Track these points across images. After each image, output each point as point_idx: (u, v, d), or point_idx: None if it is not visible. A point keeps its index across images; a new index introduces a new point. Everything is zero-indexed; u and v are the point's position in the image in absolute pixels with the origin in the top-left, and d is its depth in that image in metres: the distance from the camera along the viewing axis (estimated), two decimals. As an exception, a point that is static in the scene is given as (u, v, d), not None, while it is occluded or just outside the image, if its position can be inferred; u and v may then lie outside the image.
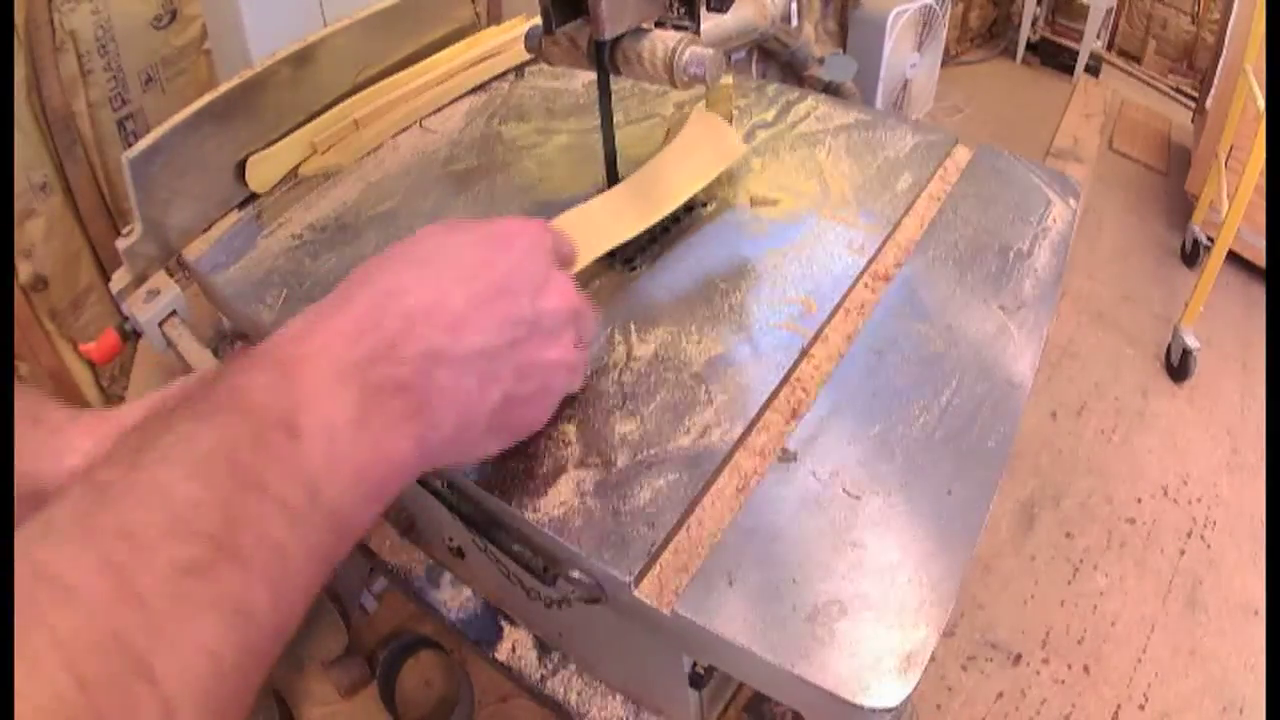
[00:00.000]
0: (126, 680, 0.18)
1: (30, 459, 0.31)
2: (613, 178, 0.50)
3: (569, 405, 0.41)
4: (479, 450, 0.32)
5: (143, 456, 0.21)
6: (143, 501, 0.20)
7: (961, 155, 0.61)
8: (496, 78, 0.71)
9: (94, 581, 0.19)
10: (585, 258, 0.45)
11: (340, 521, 0.25)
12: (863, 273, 0.50)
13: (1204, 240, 1.72)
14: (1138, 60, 2.68)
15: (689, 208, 0.55)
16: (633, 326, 0.46)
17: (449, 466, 0.34)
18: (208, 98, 0.55)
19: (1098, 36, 2.49)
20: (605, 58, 0.44)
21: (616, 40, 0.43)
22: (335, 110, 0.63)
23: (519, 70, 0.73)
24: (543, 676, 0.49)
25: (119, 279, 0.56)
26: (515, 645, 0.51)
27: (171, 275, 0.58)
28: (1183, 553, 1.21)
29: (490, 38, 0.74)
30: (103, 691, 0.18)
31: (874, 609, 0.33)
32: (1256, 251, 1.65)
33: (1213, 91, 1.81)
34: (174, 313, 0.57)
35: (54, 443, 0.33)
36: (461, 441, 0.30)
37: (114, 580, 0.19)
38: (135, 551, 0.19)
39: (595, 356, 0.44)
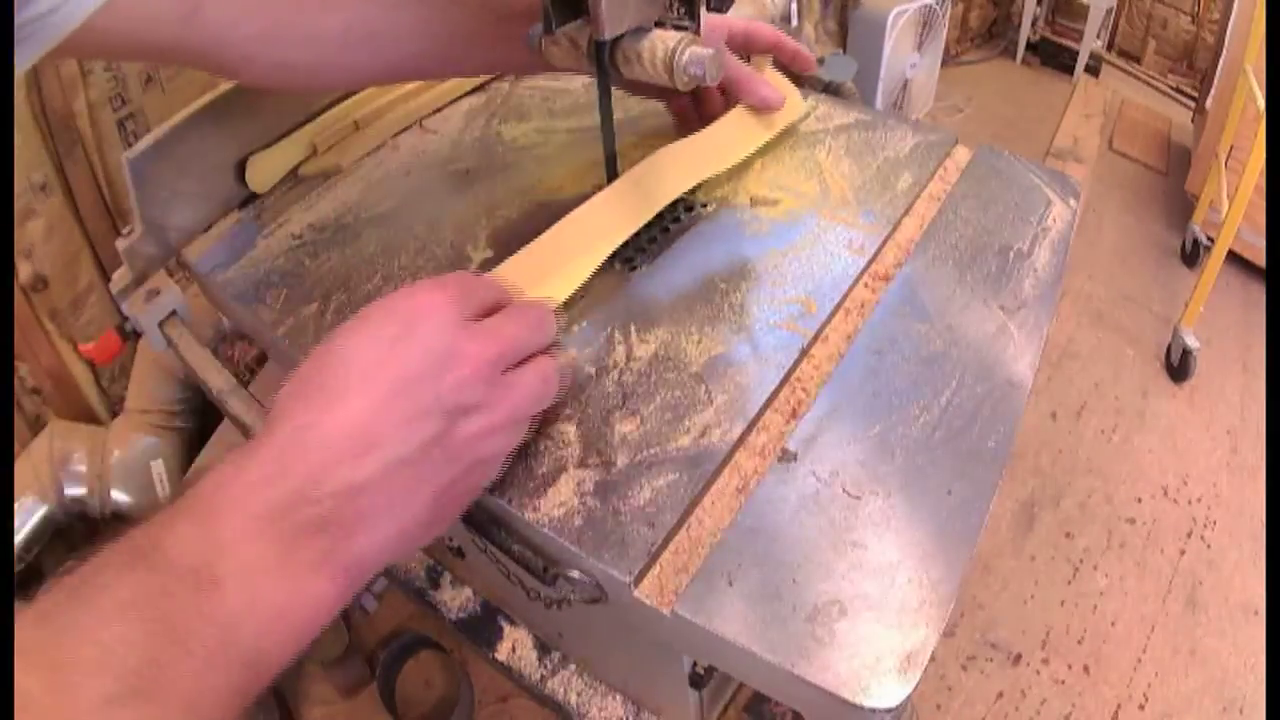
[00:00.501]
0: None
1: None
2: (612, 178, 0.50)
3: (569, 405, 0.41)
4: (425, 540, 0.32)
5: (77, 594, 0.24)
6: (75, 638, 0.23)
7: (961, 155, 0.61)
8: (496, 78, 0.71)
9: (42, 699, 0.21)
10: (639, 218, 0.49)
11: (259, 660, 0.26)
12: (863, 273, 0.50)
13: (1204, 240, 1.72)
14: (1138, 60, 2.68)
15: (689, 208, 0.55)
16: (633, 326, 0.46)
17: (410, 551, 0.35)
18: (208, 98, 0.55)
19: (1098, 36, 2.49)
20: (605, 58, 0.44)
21: (616, 40, 0.43)
22: (335, 110, 0.63)
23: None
24: (543, 676, 0.49)
25: (119, 279, 0.56)
26: (515, 645, 0.51)
27: (171, 275, 0.58)
28: (1183, 553, 1.21)
29: (490, 38, 0.74)
30: None
31: (874, 609, 0.33)
32: (1256, 251, 1.65)
33: (1213, 91, 1.81)
34: (174, 313, 0.57)
35: None
36: (401, 548, 0.30)
37: (58, 702, 0.22)
38: (74, 679, 0.22)
39: (595, 357, 0.44)
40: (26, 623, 0.23)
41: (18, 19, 0.32)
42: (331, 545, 0.27)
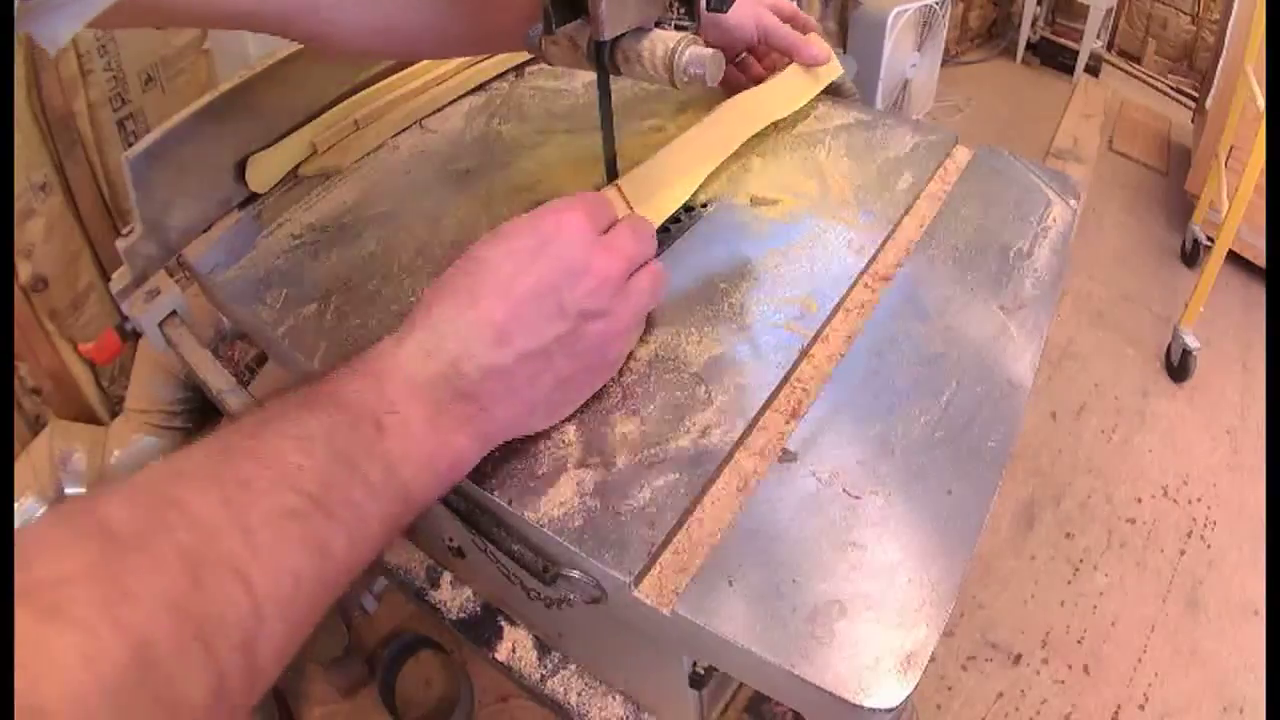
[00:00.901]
0: (230, 585, 0.24)
1: None
2: (613, 178, 0.50)
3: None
4: (552, 420, 0.38)
5: (263, 429, 0.28)
6: (260, 461, 0.27)
7: (961, 155, 0.61)
8: (496, 78, 0.71)
9: (215, 513, 0.25)
10: (690, 186, 0.53)
11: (409, 496, 0.31)
12: (863, 273, 0.50)
13: (1204, 240, 1.72)
14: (1138, 60, 2.68)
15: (689, 208, 0.55)
16: (633, 326, 0.46)
17: (537, 429, 0.39)
18: (208, 98, 0.55)
19: (1098, 36, 2.49)
20: (605, 58, 0.44)
21: (616, 40, 0.43)
22: (335, 110, 0.63)
23: (519, 70, 0.73)
24: (543, 676, 0.49)
25: (119, 279, 0.56)
26: (515, 645, 0.51)
27: (171, 275, 0.58)
28: (1183, 553, 1.21)
29: (490, 38, 0.74)
30: (210, 589, 0.23)
31: (874, 609, 0.33)
32: (1256, 251, 1.65)
33: (1213, 91, 1.81)
34: (174, 313, 0.57)
35: None
36: (525, 423, 0.37)
37: (230, 514, 0.25)
38: (250, 495, 0.26)
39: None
40: (201, 453, 0.27)
41: None
42: (471, 412, 0.33)
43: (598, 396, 0.42)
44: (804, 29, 0.65)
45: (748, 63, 0.66)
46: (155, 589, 0.22)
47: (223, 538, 0.24)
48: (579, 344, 0.36)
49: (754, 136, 0.62)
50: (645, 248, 0.40)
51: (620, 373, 0.43)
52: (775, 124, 0.62)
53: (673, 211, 0.51)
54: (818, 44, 0.64)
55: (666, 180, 0.52)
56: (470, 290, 0.35)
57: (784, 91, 0.63)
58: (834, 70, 0.66)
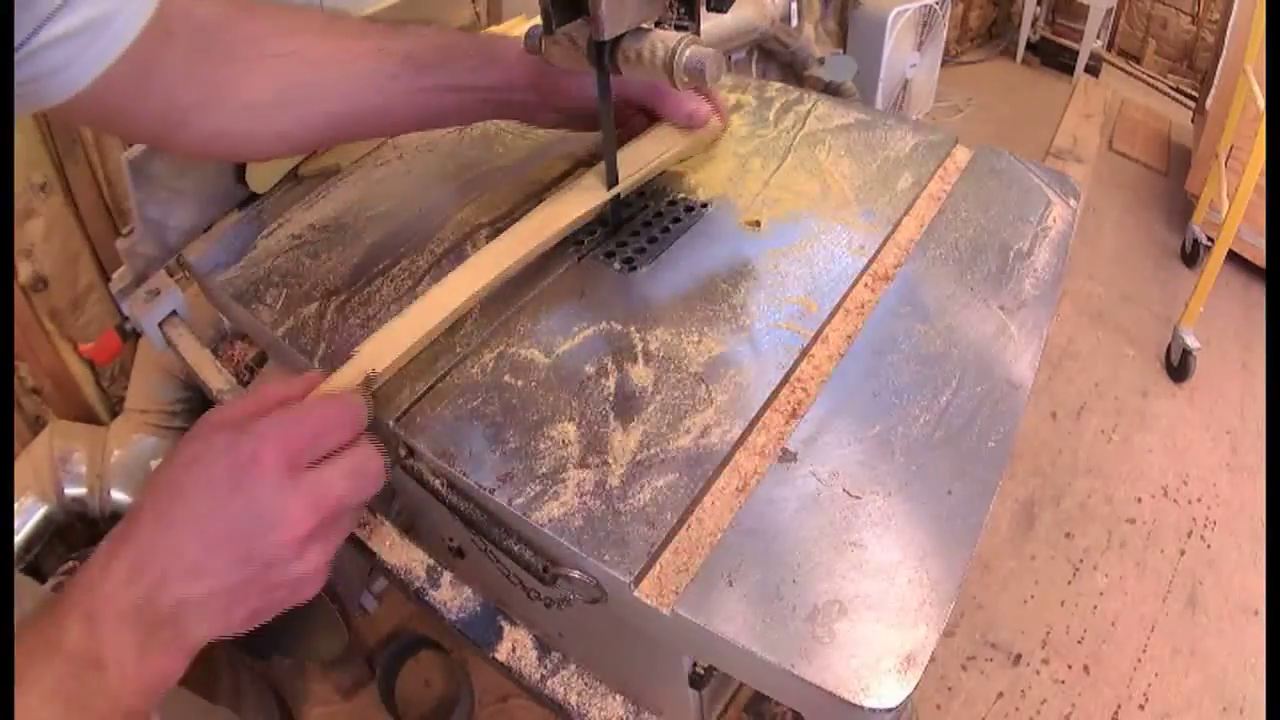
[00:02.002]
0: None
1: None
2: (612, 177, 0.50)
3: (569, 405, 0.41)
4: (255, 622, 0.39)
5: (20, 688, 0.33)
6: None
7: (961, 155, 0.61)
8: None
9: None
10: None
11: (135, 713, 0.35)
12: (863, 273, 0.50)
13: (1204, 240, 1.72)
14: (1138, 60, 2.68)
15: (689, 208, 0.55)
16: (633, 326, 0.46)
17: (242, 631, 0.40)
18: (208, 98, 0.55)
19: (1098, 36, 2.49)
20: (605, 58, 0.44)
21: (616, 40, 0.43)
22: (335, 110, 0.63)
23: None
24: (543, 676, 0.49)
25: (119, 279, 0.56)
26: (515, 645, 0.51)
27: (171, 275, 0.58)
28: (1183, 553, 1.21)
29: (490, 38, 0.74)
30: None
31: (874, 609, 0.33)
32: (1256, 251, 1.65)
33: (1213, 91, 1.81)
34: (174, 313, 0.57)
35: None
36: (229, 630, 0.38)
37: None
38: None
39: (595, 357, 0.44)
40: None
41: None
42: (171, 638, 0.36)
43: (598, 397, 0.42)
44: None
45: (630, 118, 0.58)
46: None
47: None
48: (267, 583, 0.37)
49: (752, 136, 0.62)
50: (361, 486, 0.38)
51: (620, 373, 0.43)
52: (774, 123, 0.62)
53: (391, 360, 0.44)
54: (699, 104, 0.55)
55: (407, 335, 0.45)
56: (168, 516, 0.36)
57: (658, 144, 0.55)
58: (713, 133, 0.59)
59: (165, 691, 0.37)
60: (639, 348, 0.44)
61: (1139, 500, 1.28)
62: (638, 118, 0.57)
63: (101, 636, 0.35)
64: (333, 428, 0.38)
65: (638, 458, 0.39)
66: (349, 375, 0.41)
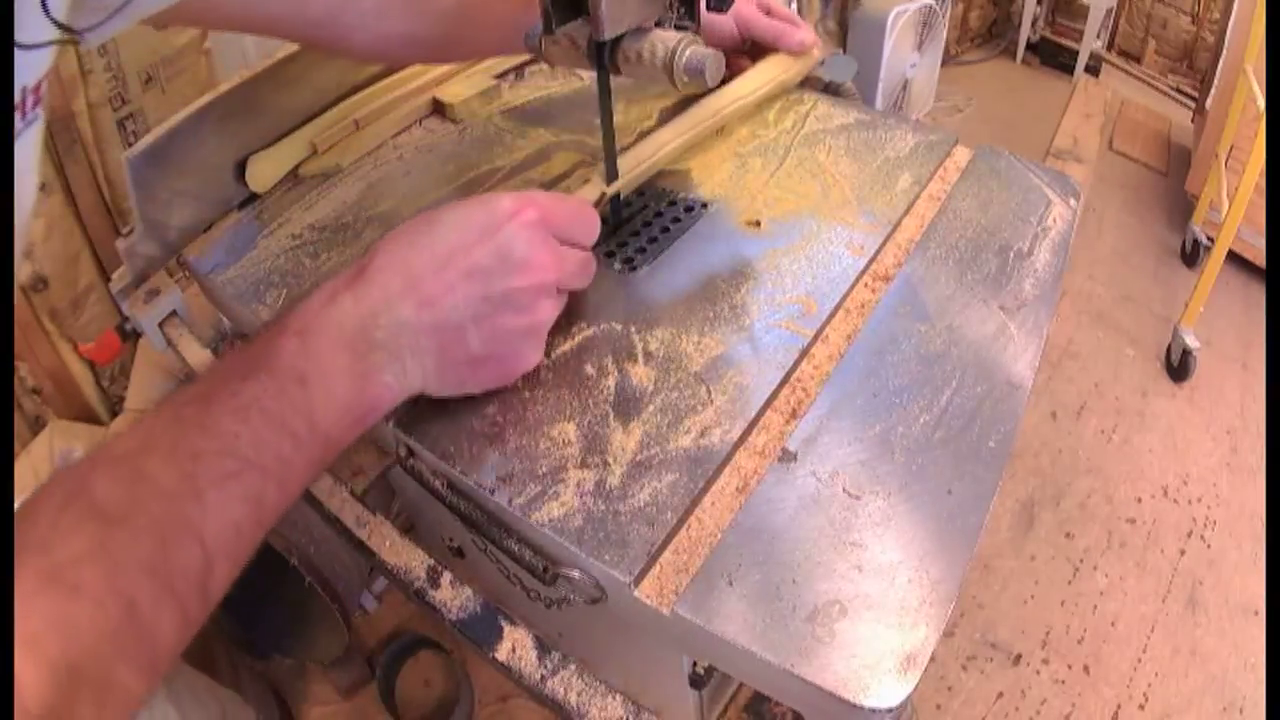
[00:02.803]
0: (189, 544, 0.30)
1: None
2: (613, 177, 0.50)
3: (569, 405, 0.41)
4: (463, 388, 0.40)
5: (207, 403, 0.32)
6: (206, 433, 0.32)
7: (961, 155, 0.61)
8: (497, 77, 0.71)
9: (176, 485, 0.30)
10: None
11: (330, 441, 0.35)
12: (863, 273, 0.50)
13: (1204, 240, 1.72)
14: (1138, 60, 2.68)
15: (689, 208, 0.55)
16: (633, 327, 0.46)
17: (448, 393, 0.41)
18: (208, 98, 0.55)
19: (1098, 36, 2.49)
20: (605, 58, 0.44)
21: (616, 40, 0.43)
22: (335, 110, 0.63)
23: (519, 70, 0.73)
24: (543, 676, 0.49)
25: (119, 279, 0.56)
26: (515, 645, 0.51)
27: (171, 275, 0.58)
28: (1183, 553, 1.21)
29: (490, 38, 0.74)
30: (175, 551, 0.29)
31: (874, 609, 0.33)
32: (1256, 251, 1.65)
33: (1213, 91, 1.81)
34: (174, 313, 0.57)
35: None
36: (439, 383, 0.39)
37: (187, 484, 0.30)
38: (200, 466, 0.31)
39: (595, 357, 0.44)
40: (162, 424, 0.32)
41: None
42: (382, 362, 0.36)
43: (598, 397, 0.42)
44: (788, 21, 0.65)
45: (734, 61, 0.65)
46: (137, 558, 0.28)
47: (182, 505, 0.30)
48: (492, 330, 0.38)
49: (752, 136, 0.62)
50: (587, 278, 0.44)
51: (620, 373, 0.43)
52: (774, 124, 0.62)
53: (644, 176, 0.54)
54: (804, 30, 0.64)
55: (634, 163, 0.54)
56: (410, 251, 0.38)
57: (763, 75, 0.63)
58: (813, 59, 0.67)
59: (372, 421, 0.37)
60: (639, 348, 0.44)
61: (1139, 500, 1.28)
62: (742, 60, 0.64)
63: (313, 353, 0.34)
64: (578, 222, 0.42)
65: (638, 458, 0.39)
66: (587, 194, 0.49)
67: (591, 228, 0.43)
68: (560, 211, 0.41)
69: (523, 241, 0.38)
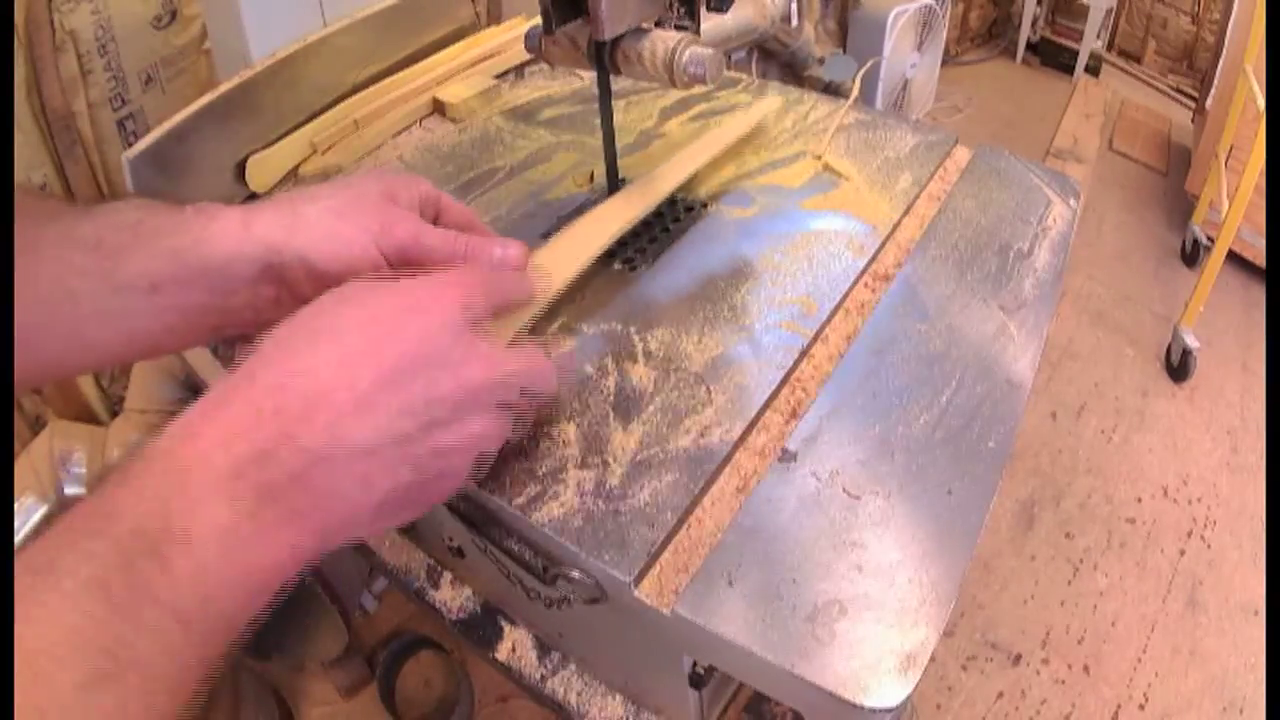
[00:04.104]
0: None
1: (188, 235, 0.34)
2: (612, 177, 0.50)
3: (569, 405, 0.41)
4: (378, 529, 0.31)
5: (42, 576, 0.23)
6: (44, 623, 0.22)
7: (961, 155, 0.61)
8: (497, 77, 0.71)
9: (22, 689, 0.21)
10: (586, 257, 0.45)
11: (226, 625, 0.26)
12: (863, 273, 0.50)
13: (1204, 240, 1.72)
14: (1138, 60, 2.68)
15: (689, 207, 0.55)
16: (633, 327, 0.46)
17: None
18: (208, 98, 0.55)
19: (1098, 36, 2.49)
20: (605, 58, 0.44)
21: (616, 40, 0.43)
22: (335, 110, 0.63)
23: (519, 70, 0.73)
24: (543, 676, 0.49)
25: (119, 279, 0.56)
26: (515, 645, 0.51)
27: (171, 275, 0.58)
28: (1183, 553, 1.21)
29: (490, 38, 0.74)
30: None
31: (874, 609, 0.33)
32: (1256, 251, 1.65)
33: (1213, 91, 1.81)
34: (174, 313, 0.57)
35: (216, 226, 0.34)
36: (352, 531, 0.29)
37: (34, 691, 0.21)
38: (44, 670, 0.21)
39: (596, 357, 0.44)
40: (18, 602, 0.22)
41: None
42: (281, 517, 0.26)
43: (598, 397, 0.42)
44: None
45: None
46: None
47: None
48: (426, 450, 0.30)
49: (753, 136, 0.62)
50: (533, 377, 0.34)
51: (620, 373, 0.43)
52: (774, 124, 0.62)
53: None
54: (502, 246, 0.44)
55: (572, 253, 0.45)
56: (320, 344, 0.29)
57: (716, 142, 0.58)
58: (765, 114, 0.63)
59: (268, 594, 0.27)
60: (639, 348, 0.44)
61: (1139, 500, 1.28)
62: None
63: (192, 502, 0.25)
64: (511, 300, 0.34)
65: (638, 458, 0.39)
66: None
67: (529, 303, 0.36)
68: (486, 291, 0.33)
69: (445, 340, 0.30)
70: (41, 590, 0.23)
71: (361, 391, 0.28)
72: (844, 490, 0.38)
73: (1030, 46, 2.62)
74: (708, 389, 0.42)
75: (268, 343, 0.29)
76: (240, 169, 0.59)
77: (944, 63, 2.14)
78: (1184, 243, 1.80)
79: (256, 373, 0.28)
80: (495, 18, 1.03)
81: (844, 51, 1.88)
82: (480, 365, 0.31)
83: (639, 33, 0.43)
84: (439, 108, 0.68)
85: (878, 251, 0.52)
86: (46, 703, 0.21)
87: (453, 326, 0.31)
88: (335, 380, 0.28)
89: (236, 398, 0.27)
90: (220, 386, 0.28)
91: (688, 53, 0.42)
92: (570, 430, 0.40)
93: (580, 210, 0.53)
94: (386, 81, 0.67)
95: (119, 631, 0.23)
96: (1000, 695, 1.02)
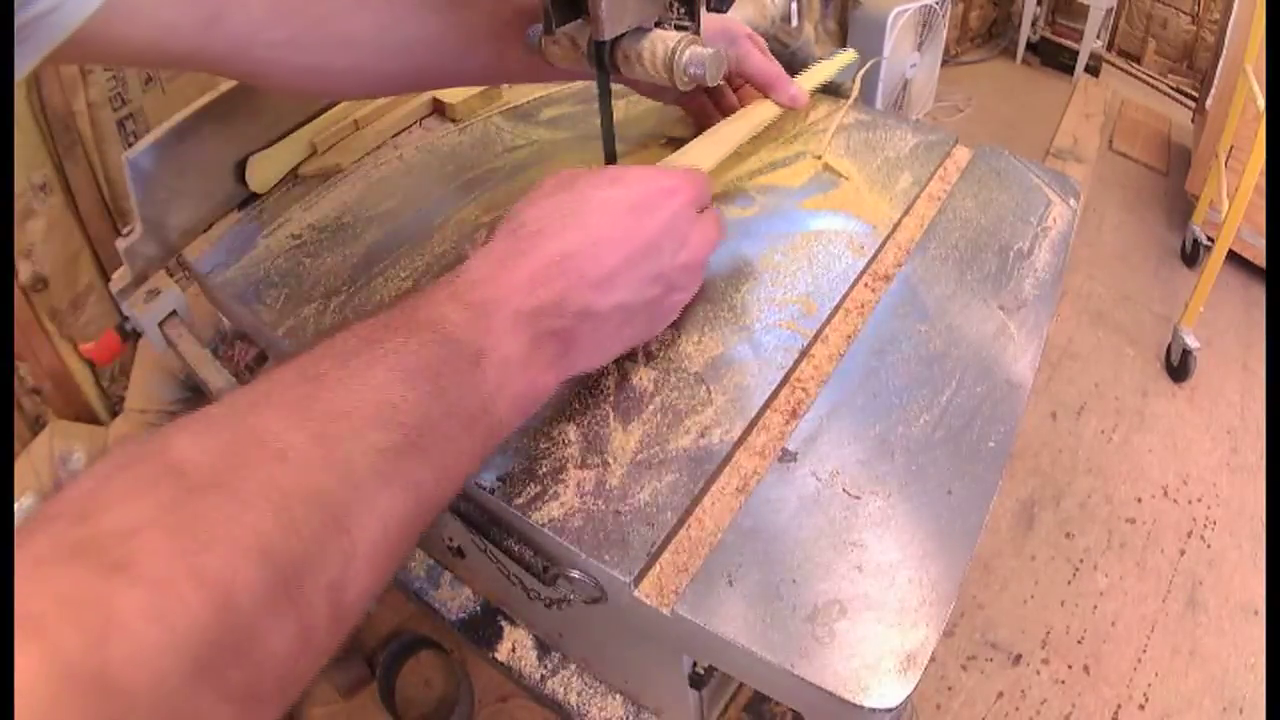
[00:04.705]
0: (325, 528, 0.22)
1: None
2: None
3: (569, 405, 0.41)
4: (604, 362, 0.39)
5: (353, 360, 0.27)
6: (355, 394, 0.25)
7: (961, 155, 0.61)
8: (496, 78, 0.71)
9: (307, 449, 0.23)
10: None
11: (497, 430, 0.31)
12: (863, 273, 0.50)
13: (1204, 240, 1.72)
14: (1138, 60, 2.68)
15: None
16: (633, 326, 0.46)
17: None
18: (208, 98, 0.55)
19: (1098, 36, 2.49)
20: (605, 58, 0.44)
21: (616, 40, 0.43)
22: (335, 110, 0.63)
23: (519, 70, 0.73)
24: (543, 676, 0.49)
25: (119, 279, 0.56)
26: (515, 645, 0.51)
27: (171, 275, 0.58)
28: (1183, 553, 1.21)
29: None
30: (304, 533, 0.22)
31: (874, 609, 0.33)
32: (1256, 251, 1.65)
33: (1213, 91, 1.81)
34: (174, 313, 0.57)
35: None
36: (591, 366, 0.38)
37: (325, 450, 0.24)
38: (347, 430, 0.24)
39: None
40: (282, 384, 0.25)
41: (16, 19, 0.33)
42: (559, 353, 0.34)
43: (598, 397, 0.42)
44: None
45: (720, 90, 0.60)
46: (238, 533, 0.20)
47: (316, 475, 0.23)
48: (658, 309, 0.39)
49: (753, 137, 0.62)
50: (716, 243, 0.43)
51: (620, 373, 0.43)
52: (775, 126, 0.62)
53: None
54: (798, 86, 0.59)
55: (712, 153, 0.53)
56: (587, 223, 0.35)
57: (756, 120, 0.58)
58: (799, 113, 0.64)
59: (530, 414, 0.34)
60: (639, 348, 0.44)
61: (1139, 500, 1.28)
62: (713, 90, 0.59)
63: (492, 329, 0.30)
64: (707, 194, 0.42)
65: (638, 458, 0.39)
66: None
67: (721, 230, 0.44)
68: (703, 188, 0.41)
69: (685, 223, 0.39)
70: (358, 370, 0.26)
71: (625, 259, 0.35)
72: (844, 490, 0.38)
73: (1030, 46, 2.62)
74: (708, 389, 0.42)
75: (533, 209, 0.36)
76: (240, 169, 0.59)
77: (944, 63, 2.14)
78: (1184, 243, 1.80)
79: (527, 246, 0.34)
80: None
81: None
82: (704, 239, 0.40)
83: (639, 33, 0.43)
84: (439, 107, 0.68)
85: (878, 251, 0.52)
86: (353, 458, 0.24)
87: (688, 210, 0.39)
88: (607, 251, 0.35)
89: (527, 261, 0.33)
90: (498, 252, 0.34)
91: (688, 53, 0.42)
92: (570, 430, 0.40)
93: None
94: (386, 81, 0.66)
95: (428, 411, 0.27)
96: (1000, 695, 1.02)
